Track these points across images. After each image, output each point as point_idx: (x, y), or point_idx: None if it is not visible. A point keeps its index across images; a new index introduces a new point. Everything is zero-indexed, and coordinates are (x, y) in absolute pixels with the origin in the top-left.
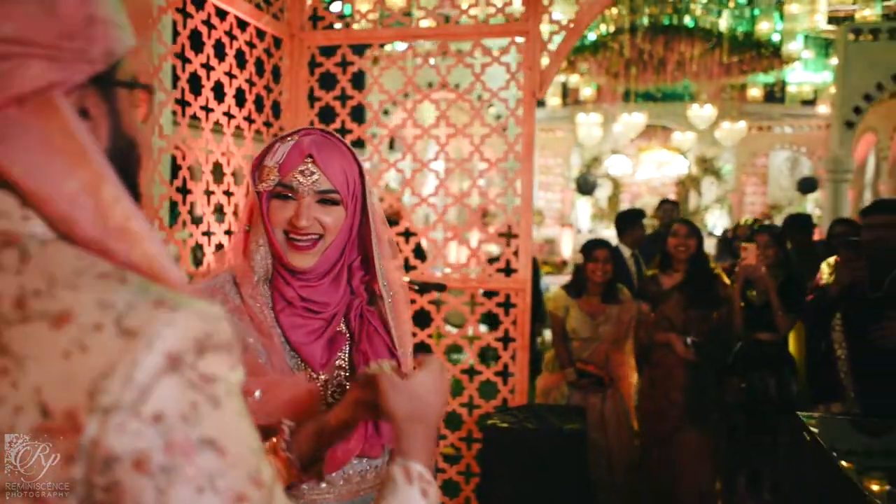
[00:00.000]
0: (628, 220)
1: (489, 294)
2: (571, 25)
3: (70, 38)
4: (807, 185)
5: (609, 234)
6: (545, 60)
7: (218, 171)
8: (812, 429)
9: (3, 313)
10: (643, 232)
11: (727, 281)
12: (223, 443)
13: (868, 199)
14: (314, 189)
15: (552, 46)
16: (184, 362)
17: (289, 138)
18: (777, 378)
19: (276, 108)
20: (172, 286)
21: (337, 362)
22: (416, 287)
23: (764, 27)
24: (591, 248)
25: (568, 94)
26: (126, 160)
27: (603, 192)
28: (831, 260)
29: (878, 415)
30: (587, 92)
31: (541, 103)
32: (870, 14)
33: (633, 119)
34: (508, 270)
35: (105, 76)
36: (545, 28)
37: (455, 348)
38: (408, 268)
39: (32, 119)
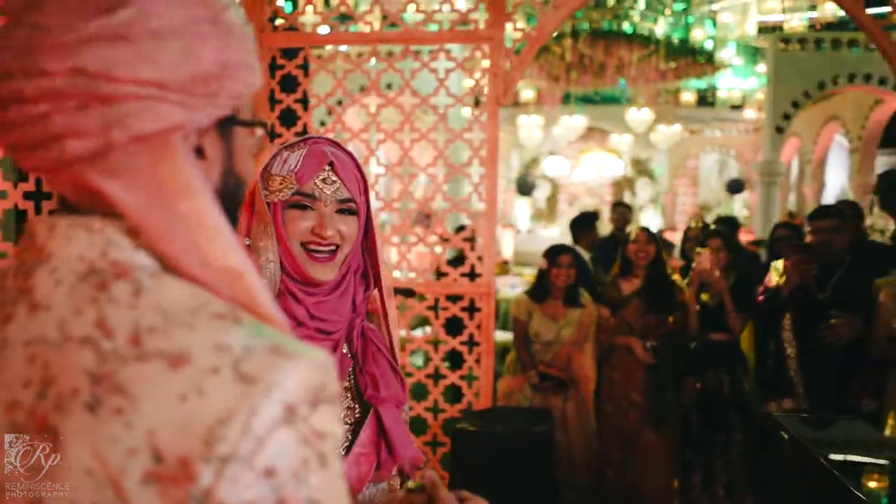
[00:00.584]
0: (583, 224)
1: (453, 298)
2: (534, 34)
3: (204, 83)
4: (734, 187)
5: (547, 234)
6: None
7: None
8: (788, 426)
9: (117, 349)
10: (597, 235)
11: (683, 286)
12: None
13: (793, 200)
14: (335, 198)
15: (516, 54)
16: (298, 415)
17: (297, 146)
18: (730, 377)
19: None
20: (271, 323)
21: (344, 384)
22: None
23: (698, 35)
24: (555, 253)
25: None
26: (232, 198)
27: (542, 192)
28: (779, 263)
29: (825, 410)
30: (528, 94)
31: (478, 104)
32: (797, 25)
33: (574, 122)
34: (472, 275)
35: (228, 117)
36: (509, 35)
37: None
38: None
39: (149, 157)
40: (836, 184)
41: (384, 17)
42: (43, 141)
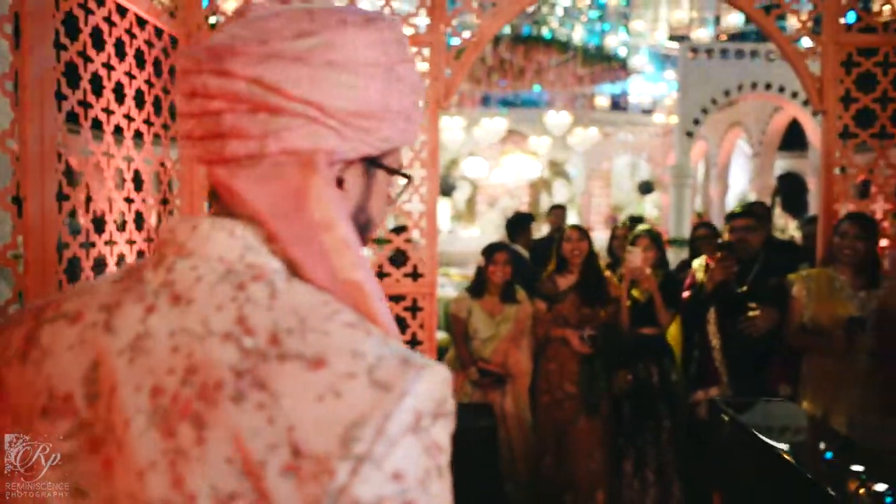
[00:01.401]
0: (519, 224)
1: (396, 298)
2: (474, 39)
3: (362, 118)
4: (645, 188)
5: (467, 235)
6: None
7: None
8: (729, 410)
9: (258, 347)
10: (531, 234)
11: (615, 282)
12: None
13: (699, 201)
14: None
15: (456, 59)
16: (422, 425)
17: None
18: (659, 368)
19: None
20: (386, 332)
21: None
22: None
23: (612, 41)
24: (492, 251)
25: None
26: (360, 234)
27: (462, 193)
28: (701, 260)
29: (747, 395)
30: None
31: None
32: (704, 35)
33: (495, 124)
34: (415, 275)
35: (374, 158)
36: (450, 40)
37: None
38: None
39: (295, 171)
40: (739, 186)
41: None
42: (211, 135)
